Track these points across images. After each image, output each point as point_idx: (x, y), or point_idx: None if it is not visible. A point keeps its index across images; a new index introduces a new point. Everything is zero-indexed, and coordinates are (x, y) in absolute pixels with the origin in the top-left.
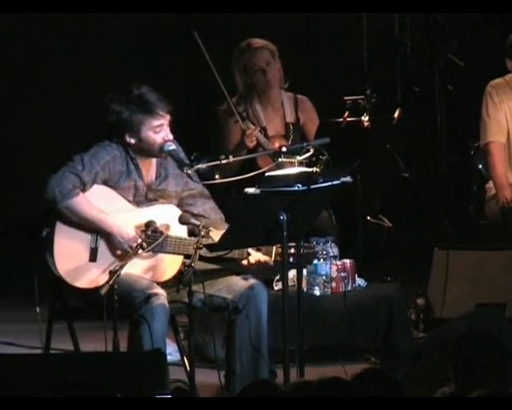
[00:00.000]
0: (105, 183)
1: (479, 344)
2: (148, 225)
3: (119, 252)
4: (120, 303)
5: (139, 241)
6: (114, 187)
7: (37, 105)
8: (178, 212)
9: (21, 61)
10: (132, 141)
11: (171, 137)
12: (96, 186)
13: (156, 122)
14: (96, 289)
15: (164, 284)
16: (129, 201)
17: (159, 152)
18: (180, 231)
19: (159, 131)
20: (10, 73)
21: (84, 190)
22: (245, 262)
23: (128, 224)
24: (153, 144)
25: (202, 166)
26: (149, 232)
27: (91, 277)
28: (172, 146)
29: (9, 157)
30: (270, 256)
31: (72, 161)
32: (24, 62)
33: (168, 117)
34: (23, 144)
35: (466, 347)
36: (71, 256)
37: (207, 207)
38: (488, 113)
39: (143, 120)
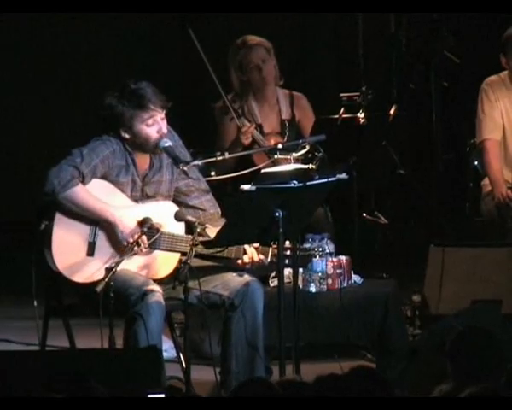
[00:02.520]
0: (104, 177)
1: (478, 342)
2: (144, 221)
3: (117, 245)
4: (116, 300)
5: (136, 237)
6: (114, 182)
7: (37, 103)
8: (175, 208)
9: (20, 57)
10: (127, 136)
11: (165, 131)
12: (95, 180)
13: (147, 116)
14: (93, 285)
15: (160, 281)
16: (127, 196)
17: (154, 148)
18: (177, 228)
19: (151, 124)
20: (9, 70)
21: (83, 182)
22: (240, 262)
23: (128, 217)
24: (147, 138)
25: (198, 162)
26: (145, 229)
27: (88, 272)
28: (168, 143)
29: (7, 154)
30: (267, 256)
31: (71, 154)
32: (22, 59)
33: (162, 112)
34: (21, 142)
35: (465, 344)
36: (69, 250)
37: (204, 200)
38: (483, 110)
39: (134, 114)
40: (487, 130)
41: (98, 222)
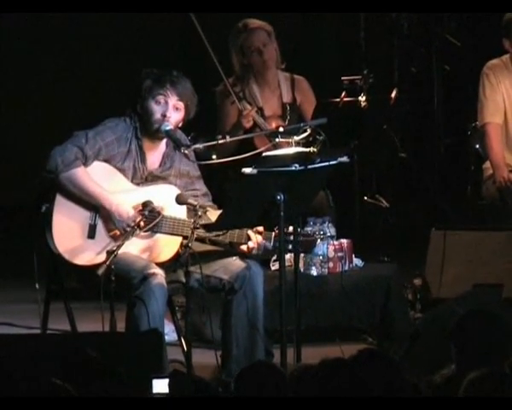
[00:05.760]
0: (107, 161)
1: (481, 324)
2: (145, 204)
3: (116, 231)
4: (118, 283)
5: (137, 220)
6: (115, 167)
7: (36, 89)
8: (176, 191)
9: (20, 47)
10: (139, 108)
11: (170, 116)
12: (97, 163)
13: (159, 91)
14: (94, 268)
15: (161, 265)
16: (128, 180)
17: (157, 131)
18: (178, 212)
19: (159, 102)
20: (8, 58)
21: (85, 164)
22: (244, 248)
23: (127, 203)
24: (150, 115)
25: (199, 146)
26: (146, 212)
27: (89, 254)
28: (169, 126)
29: (7, 138)
30: (270, 241)
31: (77, 135)
32: (23, 50)
33: (176, 99)
34: (21, 126)
35: (468, 327)
36: (69, 233)
37: (207, 205)
38: (485, 94)
39: (151, 86)
40: (489, 113)
41: (97, 207)
